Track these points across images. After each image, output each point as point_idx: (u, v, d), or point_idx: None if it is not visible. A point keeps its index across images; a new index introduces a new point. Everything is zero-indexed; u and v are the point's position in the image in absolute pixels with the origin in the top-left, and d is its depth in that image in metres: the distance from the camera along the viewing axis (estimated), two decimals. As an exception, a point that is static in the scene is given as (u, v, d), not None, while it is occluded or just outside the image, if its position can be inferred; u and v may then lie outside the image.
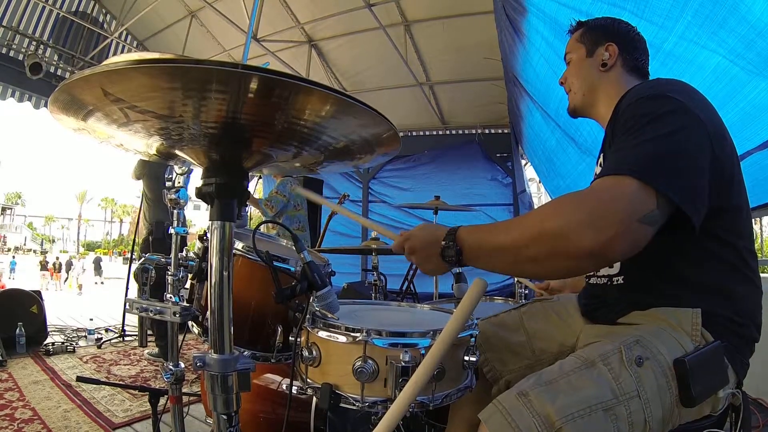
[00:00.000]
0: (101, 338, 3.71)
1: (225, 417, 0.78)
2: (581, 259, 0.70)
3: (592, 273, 1.01)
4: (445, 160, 6.34)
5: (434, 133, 6.80)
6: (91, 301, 7.51)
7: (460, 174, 6.26)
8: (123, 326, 3.86)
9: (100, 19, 5.77)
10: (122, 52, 6.08)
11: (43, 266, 18.59)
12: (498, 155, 6.20)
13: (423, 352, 0.85)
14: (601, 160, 1.03)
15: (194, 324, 1.19)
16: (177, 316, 1.08)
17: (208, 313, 0.78)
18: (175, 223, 1.21)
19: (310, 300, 0.94)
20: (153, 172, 3.54)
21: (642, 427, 0.72)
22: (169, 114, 0.62)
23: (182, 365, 1.19)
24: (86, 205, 58.17)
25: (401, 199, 6.32)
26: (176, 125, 0.65)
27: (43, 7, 5.18)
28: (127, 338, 3.78)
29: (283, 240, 1.52)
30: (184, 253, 1.18)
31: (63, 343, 3.46)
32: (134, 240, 4.08)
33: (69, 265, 19.91)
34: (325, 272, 1.13)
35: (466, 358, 0.93)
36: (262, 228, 2.90)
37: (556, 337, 1.07)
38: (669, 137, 0.74)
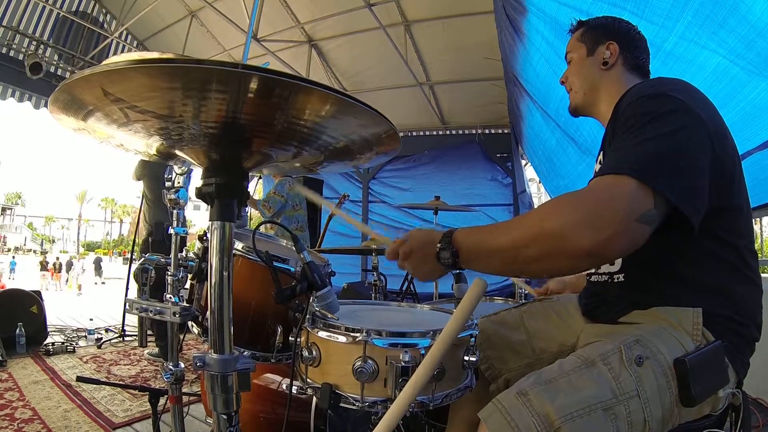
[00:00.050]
0: (101, 338, 3.71)
1: (225, 417, 0.78)
2: (580, 258, 0.70)
3: (593, 270, 1.01)
4: (445, 160, 6.34)
5: (434, 133, 6.80)
6: (91, 301, 7.50)
7: (460, 174, 6.26)
8: (123, 326, 3.86)
9: (100, 19, 5.77)
10: (122, 51, 6.08)
11: (43, 266, 18.58)
12: (498, 155, 6.20)
13: (423, 352, 0.85)
14: (600, 158, 1.03)
15: (194, 324, 1.19)
16: (177, 316, 1.08)
17: (208, 313, 0.78)
18: (174, 224, 1.21)
19: (310, 300, 0.94)
20: (153, 173, 3.54)
21: (641, 426, 0.72)
22: (169, 114, 0.62)
23: (182, 365, 1.19)
24: (86, 205, 58.26)
25: (401, 199, 6.32)
26: (176, 125, 0.65)
27: (43, 7, 5.18)
28: (127, 338, 3.78)
29: (282, 240, 1.52)
30: (183, 254, 1.18)
31: (63, 343, 3.46)
32: (134, 240, 4.08)
33: (69, 265, 19.90)
34: (325, 272, 1.13)
35: (466, 358, 0.93)
36: (262, 228, 2.90)
37: (556, 336, 1.07)
38: (670, 136, 0.74)
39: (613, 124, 0.89)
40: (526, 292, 1.72)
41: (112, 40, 5.74)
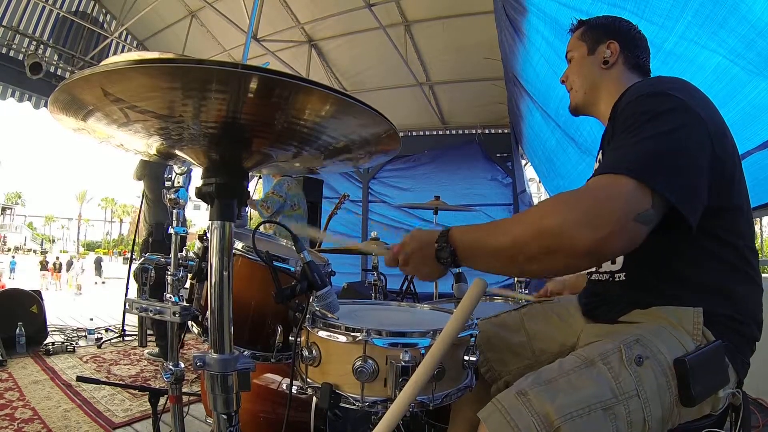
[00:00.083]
0: (101, 338, 3.71)
1: (225, 417, 0.78)
2: (578, 257, 0.70)
3: (594, 269, 1.01)
4: (445, 160, 6.35)
5: (434, 133, 6.81)
6: (91, 301, 7.50)
7: (460, 174, 6.27)
8: (123, 326, 3.86)
9: (100, 19, 5.78)
10: (122, 51, 6.08)
11: (43, 266, 18.58)
12: (498, 155, 6.21)
13: (423, 351, 0.85)
14: (600, 156, 1.03)
15: (194, 324, 1.19)
16: (177, 316, 1.08)
17: (208, 312, 0.78)
18: (174, 223, 1.21)
19: (310, 300, 0.94)
20: (154, 173, 3.54)
21: (641, 426, 0.72)
22: (169, 114, 0.62)
23: (182, 365, 1.19)
24: (86, 205, 58.19)
25: (401, 199, 6.32)
26: (176, 125, 0.65)
27: (43, 7, 5.18)
28: (127, 338, 3.78)
29: (282, 240, 1.52)
30: (183, 253, 1.18)
31: (63, 342, 3.46)
32: (134, 240, 4.08)
33: (69, 265, 19.91)
34: (325, 272, 1.13)
35: (466, 357, 0.92)
36: (262, 228, 2.90)
37: (556, 338, 1.07)
38: (669, 135, 0.74)
39: (613, 123, 0.89)
40: (526, 293, 1.71)
41: (112, 40, 5.74)
